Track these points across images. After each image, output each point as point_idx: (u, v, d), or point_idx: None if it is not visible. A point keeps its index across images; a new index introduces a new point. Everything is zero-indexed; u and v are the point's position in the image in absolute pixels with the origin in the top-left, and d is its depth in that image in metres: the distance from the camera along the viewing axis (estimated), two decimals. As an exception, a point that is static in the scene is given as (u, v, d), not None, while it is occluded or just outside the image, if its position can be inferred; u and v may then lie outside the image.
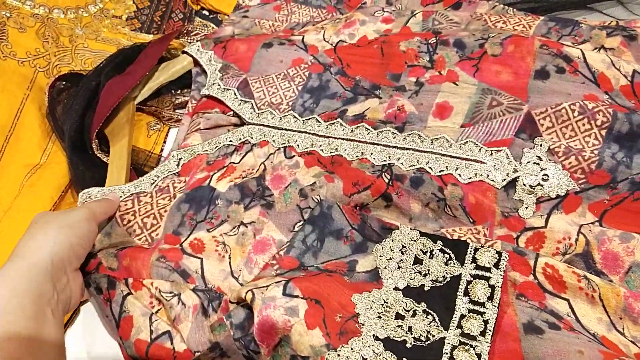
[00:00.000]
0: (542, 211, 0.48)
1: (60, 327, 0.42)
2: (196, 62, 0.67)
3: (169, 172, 0.58)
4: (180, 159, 0.59)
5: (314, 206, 0.51)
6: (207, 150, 0.60)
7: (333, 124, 0.57)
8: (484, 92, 0.53)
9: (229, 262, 0.49)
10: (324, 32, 0.65)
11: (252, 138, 0.58)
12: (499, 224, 0.49)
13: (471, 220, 0.50)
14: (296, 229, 0.50)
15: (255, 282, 0.46)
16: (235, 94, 0.62)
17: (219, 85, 0.64)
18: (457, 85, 0.55)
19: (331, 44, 0.64)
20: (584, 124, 0.50)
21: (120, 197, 0.55)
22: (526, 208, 0.49)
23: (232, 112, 0.62)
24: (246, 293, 0.44)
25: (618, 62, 0.53)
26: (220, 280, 0.48)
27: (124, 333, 0.47)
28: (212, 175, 0.56)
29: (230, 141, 0.59)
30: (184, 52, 0.68)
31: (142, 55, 0.65)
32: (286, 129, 0.58)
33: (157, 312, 0.48)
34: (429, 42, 0.58)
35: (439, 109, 0.54)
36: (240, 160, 0.57)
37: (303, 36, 0.65)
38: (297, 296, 0.43)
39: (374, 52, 0.61)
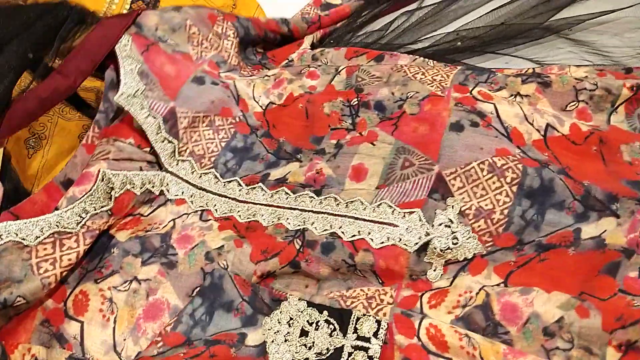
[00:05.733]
0: (449, 274, 0.48)
1: None
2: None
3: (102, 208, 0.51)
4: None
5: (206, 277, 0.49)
6: (133, 187, 0.53)
7: (254, 188, 0.56)
8: (399, 151, 0.53)
9: (114, 329, 0.47)
10: (254, 87, 0.64)
11: (168, 192, 0.57)
12: (407, 287, 0.48)
13: (380, 282, 0.49)
14: (194, 294, 0.48)
15: None
16: (160, 126, 0.56)
17: (142, 104, 0.56)
18: (374, 145, 0.55)
19: (261, 106, 0.63)
20: (494, 182, 0.50)
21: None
22: (434, 270, 0.49)
23: (149, 148, 0.56)
24: None
25: (531, 116, 0.53)
26: (100, 354, 0.46)
27: None
28: (113, 222, 0.53)
29: (153, 186, 0.55)
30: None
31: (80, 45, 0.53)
32: (206, 190, 0.57)
33: None
34: (352, 104, 0.58)
35: (354, 171, 0.54)
36: (150, 213, 0.55)
37: (234, 81, 0.63)
38: None
39: (299, 113, 0.60)
